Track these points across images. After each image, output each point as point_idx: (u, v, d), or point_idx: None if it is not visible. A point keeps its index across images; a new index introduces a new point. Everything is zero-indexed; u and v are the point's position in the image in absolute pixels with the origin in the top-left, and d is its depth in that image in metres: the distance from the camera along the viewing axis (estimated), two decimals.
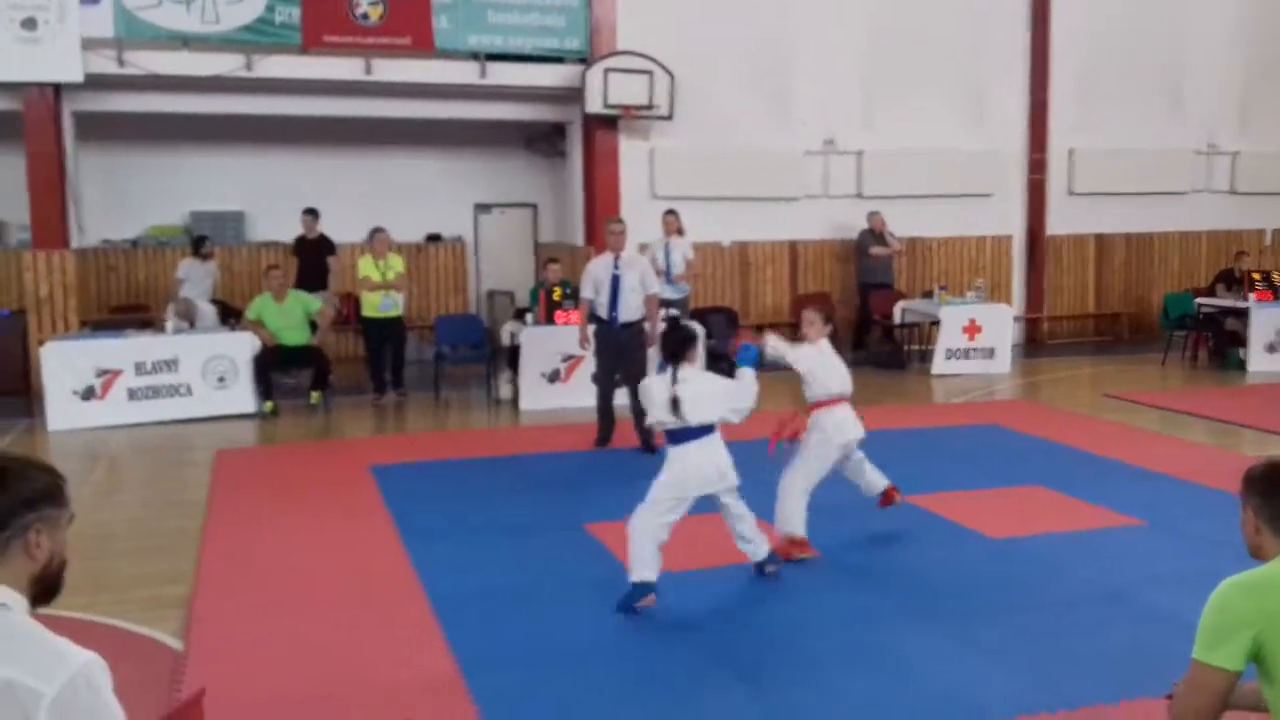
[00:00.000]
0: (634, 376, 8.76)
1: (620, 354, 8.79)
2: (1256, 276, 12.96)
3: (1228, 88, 15.58)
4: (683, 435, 5.32)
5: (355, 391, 11.53)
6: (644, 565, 5.26)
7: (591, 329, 8.96)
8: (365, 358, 11.38)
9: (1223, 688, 2.73)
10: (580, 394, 10.68)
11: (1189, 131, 15.45)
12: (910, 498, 7.21)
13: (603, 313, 8.80)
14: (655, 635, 5.01)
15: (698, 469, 5.31)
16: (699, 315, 11.72)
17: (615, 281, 8.72)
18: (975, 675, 4.56)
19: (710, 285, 13.60)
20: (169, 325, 10.58)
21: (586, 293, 8.92)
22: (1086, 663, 4.65)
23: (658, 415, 5.37)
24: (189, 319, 10.90)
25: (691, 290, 12.22)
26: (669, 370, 5.37)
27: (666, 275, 11.75)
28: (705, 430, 5.33)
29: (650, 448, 8.32)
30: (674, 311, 11.43)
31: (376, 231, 11.14)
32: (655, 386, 5.39)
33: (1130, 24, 14.91)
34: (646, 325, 8.83)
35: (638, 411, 8.02)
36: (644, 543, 5.26)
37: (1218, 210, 15.82)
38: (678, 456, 5.33)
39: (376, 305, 11.02)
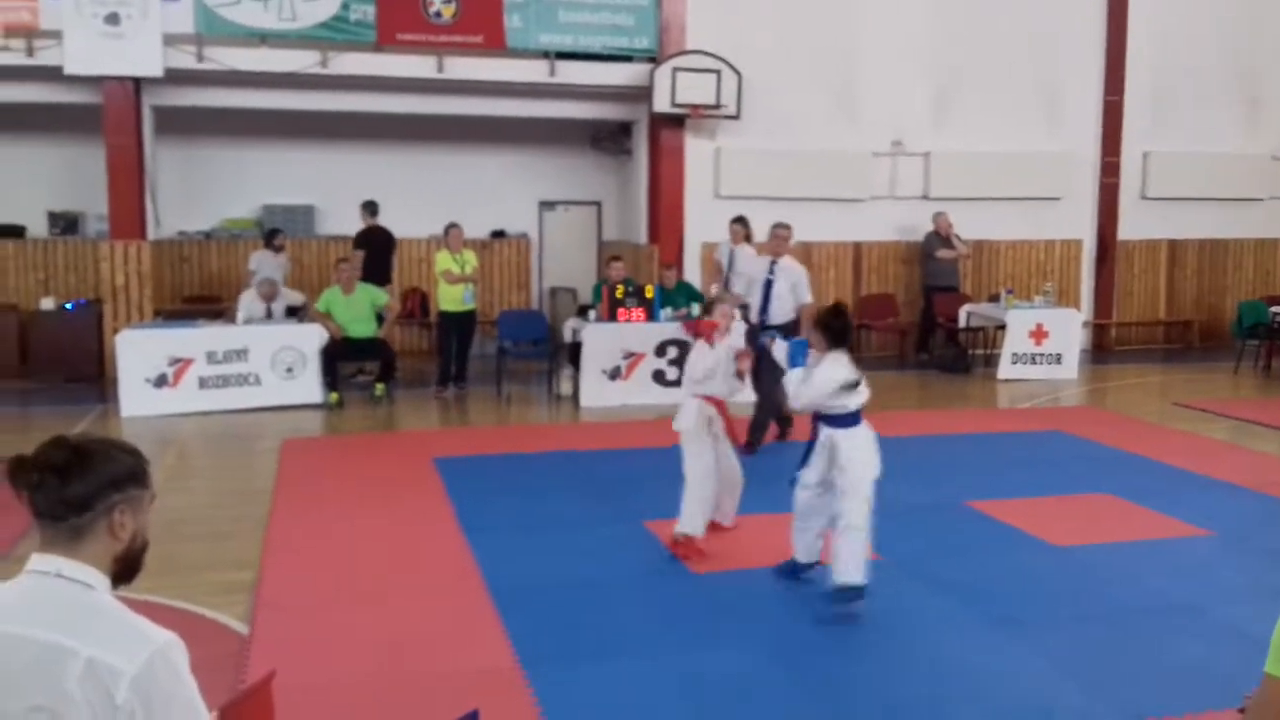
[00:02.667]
0: (772, 379, 8.65)
1: (762, 356, 8.75)
2: None
3: None
4: (850, 420, 5.37)
5: (418, 385, 11.67)
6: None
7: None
8: (437, 349, 11.51)
9: None
10: (640, 391, 10.73)
11: (1266, 137, 15.07)
12: (975, 504, 7.15)
13: (753, 315, 8.85)
14: (712, 633, 5.02)
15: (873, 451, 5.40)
16: None
17: (768, 285, 8.81)
18: (1043, 684, 4.51)
19: None
20: (239, 315, 10.80)
21: (738, 287, 9.07)
22: (1154, 674, 4.58)
23: (836, 398, 5.32)
24: (271, 299, 11.10)
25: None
26: (831, 355, 5.36)
27: (726, 282, 11.68)
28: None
29: (752, 448, 8.44)
30: None
31: (452, 227, 11.28)
32: (828, 371, 5.32)
33: (1207, 27, 14.57)
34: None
35: (768, 412, 8.48)
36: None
37: None
38: (857, 436, 5.35)
39: (459, 298, 11.15)
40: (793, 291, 8.76)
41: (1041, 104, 14.24)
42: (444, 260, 11.17)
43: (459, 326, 11.26)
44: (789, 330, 8.66)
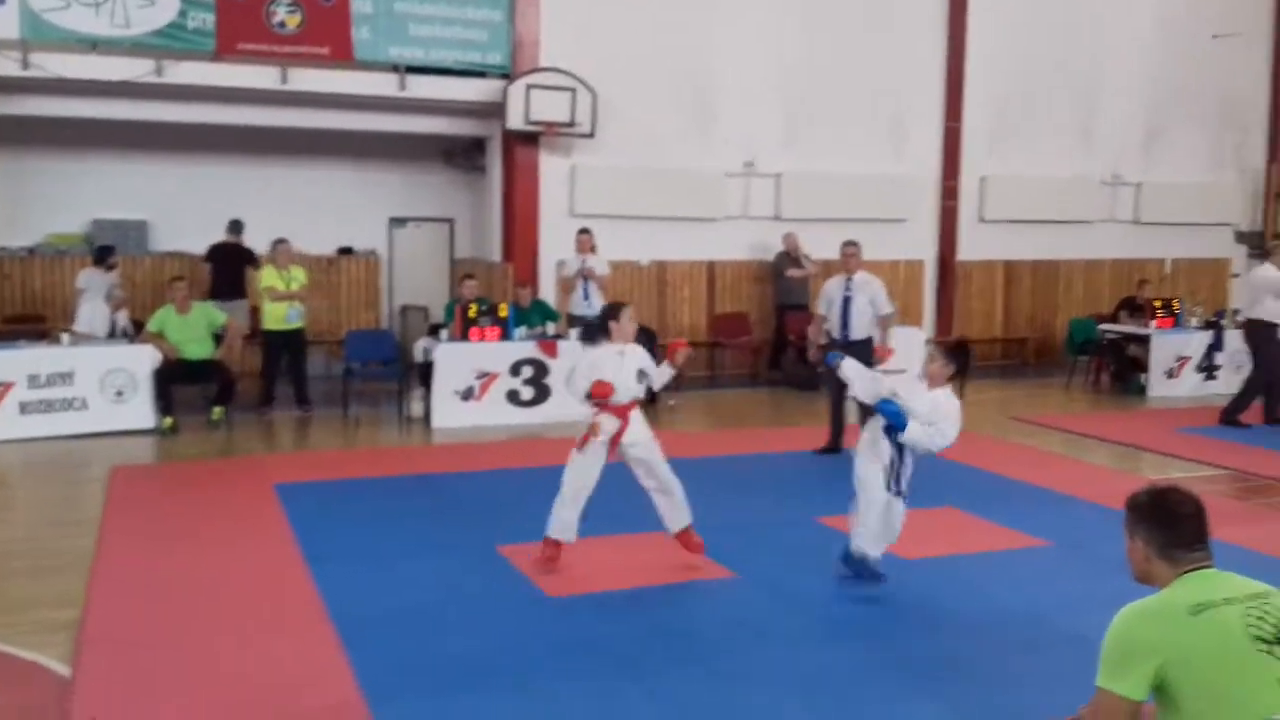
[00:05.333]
0: (839, 394, 8.97)
1: (833, 376, 8.77)
2: (1158, 304, 13.35)
3: (1133, 122, 16.07)
4: None
5: (259, 408, 11.24)
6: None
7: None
8: (262, 370, 11.18)
9: (1127, 715, 2.77)
10: (494, 412, 10.58)
11: (1096, 162, 15.89)
12: (824, 519, 7.24)
13: (834, 331, 9.11)
14: (567, 660, 4.91)
15: None
16: None
17: (846, 302, 9.04)
18: (892, 696, 4.56)
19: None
20: (80, 322, 10.29)
21: (820, 309, 9.37)
22: (1000, 685, 4.68)
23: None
24: (119, 309, 10.76)
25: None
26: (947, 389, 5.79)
27: (583, 293, 11.81)
28: None
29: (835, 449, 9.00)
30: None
31: (280, 242, 11.08)
32: (954, 404, 5.80)
33: (1042, 58, 15.28)
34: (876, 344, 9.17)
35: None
36: None
37: (1122, 239, 16.28)
38: None
39: (282, 317, 10.85)
40: (872, 304, 9.09)
41: (887, 129, 14.69)
42: (269, 277, 10.88)
43: (286, 346, 10.96)
44: (868, 345, 9.01)
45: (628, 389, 6.03)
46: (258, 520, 7.11)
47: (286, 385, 11.23)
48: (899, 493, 5.83)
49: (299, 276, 11.07)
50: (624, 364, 6.02)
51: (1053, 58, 15.35)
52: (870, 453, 5.87)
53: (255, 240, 12.71)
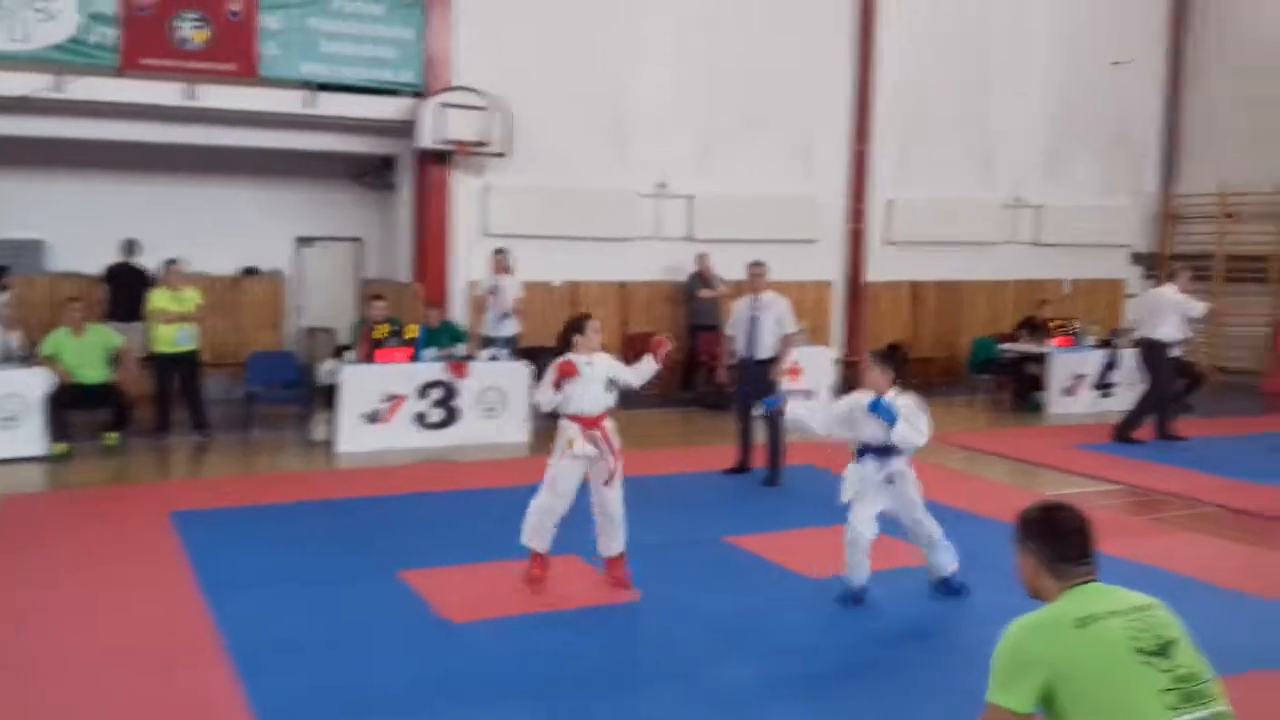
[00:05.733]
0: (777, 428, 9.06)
1: (757, 389, 8.90)
2: (1056, 323, 13.71)
3: (1033, 146, 16.49)
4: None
5: (156, 433, 10.92)
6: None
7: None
8: (155, 394, 10.82)
9: None
10: (401, 435, 10.42)
11: (998, 186, 16.28)
12: (732, 539, 7.27)
13: (740, 350, 9.16)
14: (466, 684, 4.85)
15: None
16: (528, 354, 11.60)
17: (753, 321, 9.06)
18: (803, 714, 4.59)
19: (540, 324, 13.42)
20: None
21: (729, 330, 9.41)
22: (909, 698, 4.75)
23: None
24: (11, 327, 10.47)
25: (521, 329, 12.09)
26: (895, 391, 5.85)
27: (495, 314, 11.75)
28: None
29: (774, 480, 8.95)
30: (501, 351, 11.32)
31: (171, 263, 10.81)
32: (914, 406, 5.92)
33: (946, 85, 15.63)
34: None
35: (775, 442, 8.97)
36: None
37: (1023, 260, 16.67)
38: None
39: (172, 339, 10.56)
40: (778, 323, 9.11)
41: (797, 153, 14.87)
42: (160, 299, 10.61)
43: (178, 369, 10.68)
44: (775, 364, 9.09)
45: (598, 400, 6.00)
46: (152, 549, 6.91)
47: (186, 410, 10.93)
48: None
49: (193, 297, 10.80)
50: (592, 373, 5.98)
51: (956, 84, 15.71)
52: (855, 469, 6.01)
53: (159, 262, 12.43)
